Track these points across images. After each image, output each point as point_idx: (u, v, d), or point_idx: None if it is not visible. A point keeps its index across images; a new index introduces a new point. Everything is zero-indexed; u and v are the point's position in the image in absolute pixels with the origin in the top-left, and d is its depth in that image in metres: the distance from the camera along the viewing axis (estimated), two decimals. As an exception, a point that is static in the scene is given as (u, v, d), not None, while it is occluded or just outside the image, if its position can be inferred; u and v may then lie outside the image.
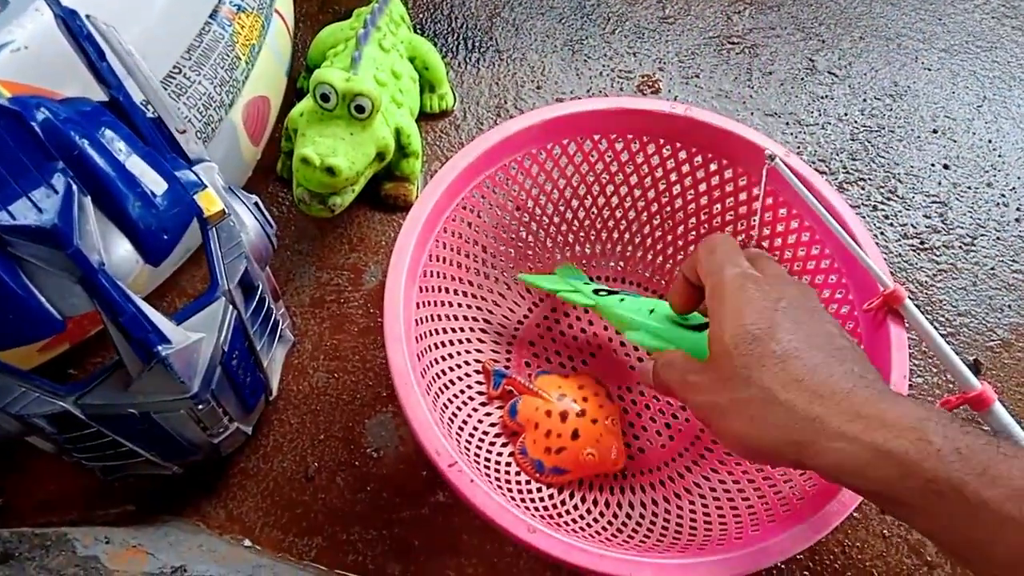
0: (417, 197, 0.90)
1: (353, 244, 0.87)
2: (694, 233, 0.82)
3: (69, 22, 0.55)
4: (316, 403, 0.77)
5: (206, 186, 0.61)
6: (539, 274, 0.82)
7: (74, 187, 0.51)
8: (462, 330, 0.76)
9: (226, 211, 0.62)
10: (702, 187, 0.79)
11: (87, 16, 0.56)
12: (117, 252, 0.54)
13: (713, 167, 0.78)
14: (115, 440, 0.61)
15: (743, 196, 0.78)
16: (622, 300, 0.75)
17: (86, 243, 0.52)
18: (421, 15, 1.06)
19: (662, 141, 0.77)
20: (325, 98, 0.76)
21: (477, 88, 1.00)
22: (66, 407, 0.56)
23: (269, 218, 0.68)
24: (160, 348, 0.55)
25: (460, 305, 0.76)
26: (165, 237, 0.56)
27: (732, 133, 0.75)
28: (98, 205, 0.53)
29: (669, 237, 0.83)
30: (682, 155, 0.78)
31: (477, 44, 1.04)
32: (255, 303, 0.66)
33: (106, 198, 0.53)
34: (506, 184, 0.77)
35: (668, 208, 0.82)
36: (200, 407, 0.61)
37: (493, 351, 0.78)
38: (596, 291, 0.77)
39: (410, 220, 0.67)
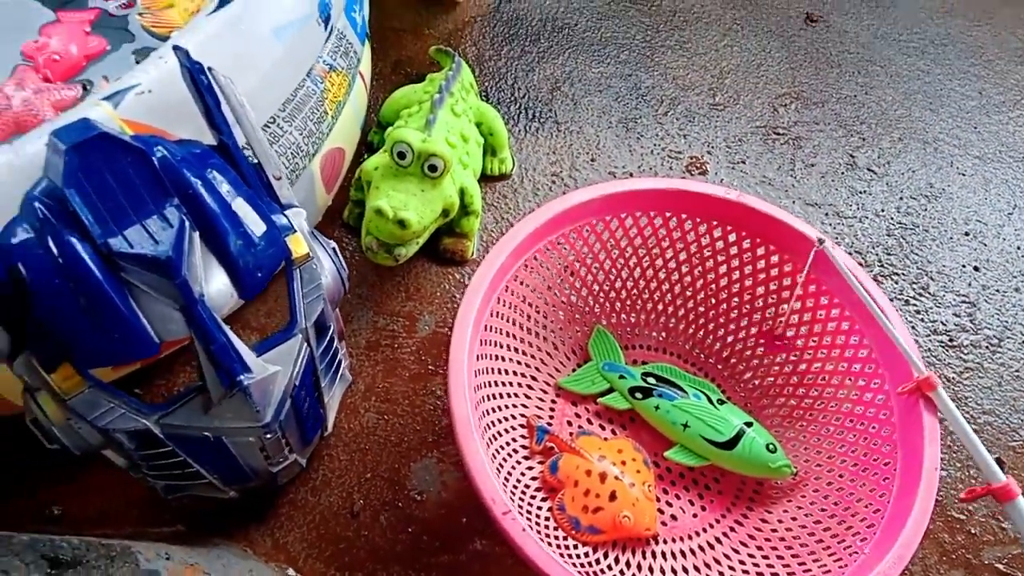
0: (472, 254, 0.94)
1: (409, 293, 0.90)
2: (735, 312, 0.85)
3: (194, 73, 0.59)
4: (365, 442, 0.79)
5: (295, 230, 0.65)
6: (578, 369, 0.85)
7: (187, 222, 0.55)
8: (511, 384, 0.79)
9: (310, 254, 0.66)
10: (747, 269, 0.83)
11: (209, 68, 0.60)
12: (215, 285, 0.57)
13: (760, 251, 0.81)
14: (184, 461, 0.63)
15: (787, 281, 0.81)
16: (657, 408, 0.79)
17: (191, 275, 0.55)
18: (487, 83, 1.11)
19: (714, 223, 0.81)
20: (402, 156, 0.81)
21: (535, 155, 1.04)
22: (148, 425, 0.59)
23: (343, 263, 0.72)
24: (243, 377, 0.58)
25: (511, 360, 0.79)
26: (259, 275, 0.60)
27: (781, 221, 0.78)
28: (203, 240, 0.57)
29: (711, 313, 0.86)
30: (731, 237, 0.81)
31: (537, 115, 1.09)
32: (325, 342, 0.69)
33: (211, 234, 0.57)
34: (563, 250, 0.80)
35: (712, 286, 0.85)
36: (268, 436, 0.64)
37: (538, 407, 0.81)
38: (632, 390, 0.81)
39: (478, 277, 0.70)
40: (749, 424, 0.77)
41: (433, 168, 0.81)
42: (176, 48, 0.59)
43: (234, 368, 0.58)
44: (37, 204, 0.55)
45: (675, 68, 1.19)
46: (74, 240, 0.52)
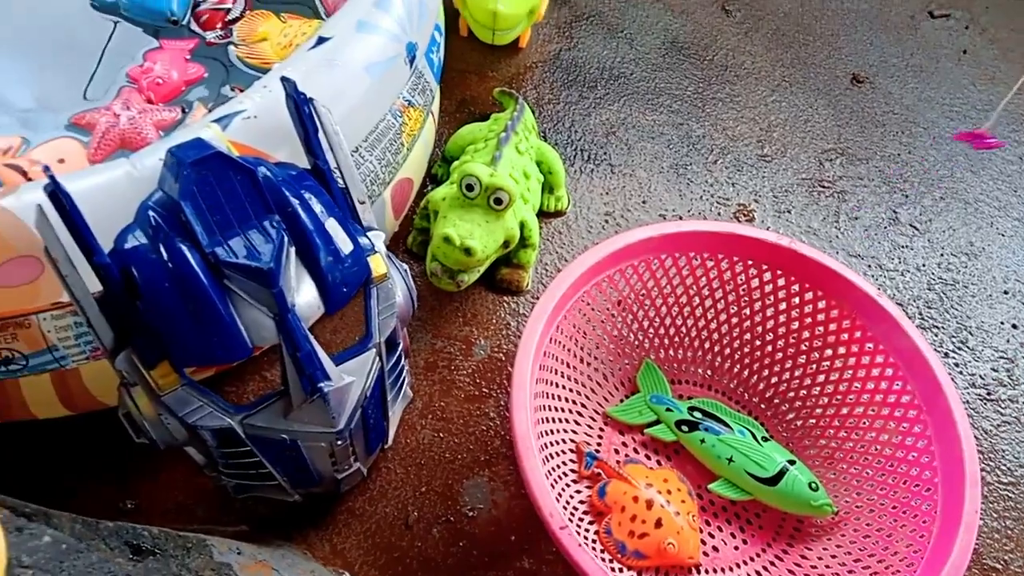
0: (528, 285, 0.97)
1: (467, 319, 0.93)
2: (780, 354, 0.87)
3: (298, 103, 0.64)
4: (421, 457, 0.82)
5: (376, 251, 0.69)
6: (627, 399, 0.87)
7: (285, 237, 0.59)
8: (562, 409, 0.81)
9: (388, 275, 0.69)
10: (795, 313, 0.85)
11: (311, 99, 0.65)
12: (304, 297, 0.61)
13: (808, 296, 0.83)
14: (259, 461, 0.67)
15: (832, 327, 0.83)
16: (703, 442, 0.81)
17: (286, 286, 0.59)
18: (546, 125, 1.15)
19: (764, 267, 0.84)
20: (470, 188, 0.85)
21: (590, 195, 1.08)
22: (232, 424, 0.62)
23: (413, 285, 0.75)
24: (323, 384, 0.61)
25: (564, 387, 0.82)
26: (344, 290, 0.63)
27: (830, 268, 0.81)
28: (297, 254, 0.61)
29: (757, 354, 0.88)
30: (780, 282, 0.84)
31: (593, 157, 1.13)
32: (394, 359, 0.73)
33: (305, 250, 0.60)
34: (617, 285, 0.83)
35: (759, 328, 0.87)
36: (339, 442, 0.67)
37: (587, 434, 0.83)
38: (678, 423, 0.83)
39: (540, 306, 0.73)
40: (792, 462, 0.78)
41: (499, 201, 0.85)
42: (284, 79, 0.63)
43: (316, 375, 0.61)
44: (151, 213, 0.59)
45: (725, 120, 1.22)
46: (184, 248, 0.57)
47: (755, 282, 0.85)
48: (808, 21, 1.43)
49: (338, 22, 0.73)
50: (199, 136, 0.61)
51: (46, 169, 0.54)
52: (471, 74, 1.19)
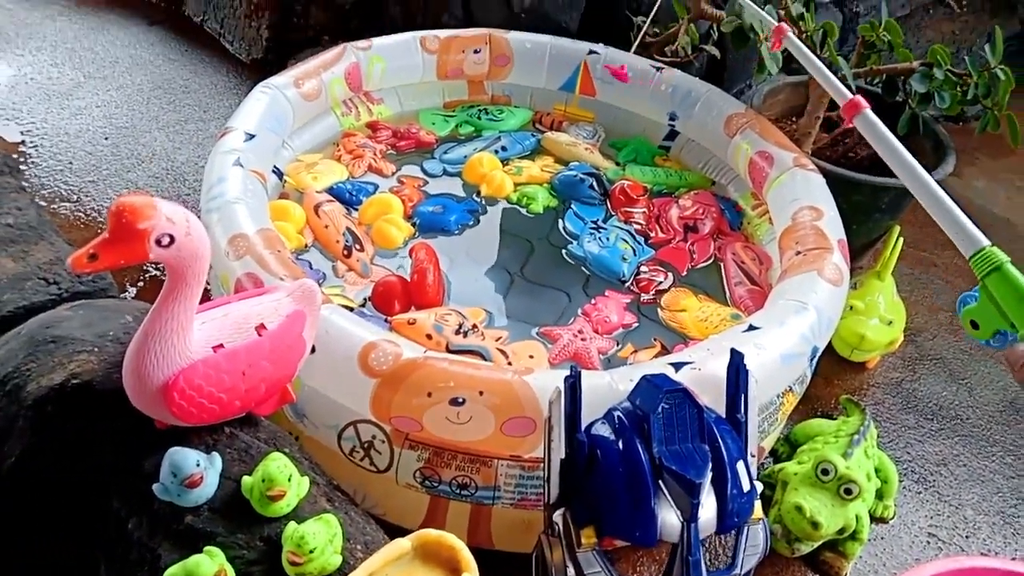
0: (846, 575, 1.00)
1: (782, 583, 0.98)
2: None
3: (740, 369, 0.79)
4: None
5: (758, 498, 0.79)
6: None
7: (709, 462, 0.72)
8: None
9: (762, 520, 0.79)
10: None
11: (747, 369, 0.79)
12: (707, 513, 0.72)
13: None
14: (618, 633, 0.75)
15: None
16: None
17: (701, 500, 0.70)
18: (881, 438, 1.20)
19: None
20: (825, 472, 0.92)
21: (915, 513, 1.09)
22: (615, 592, 0.73)
23: (769, 537, 0.83)
24: (698, 589, 0.70)
25: None
26: (735, 519, 0.73)
27: None
28: (711, 479, 0.73)
29: None
30: None
31: (922, 480, 1.15)
32: (741, 592, 0.80)
33: (719, 477, 0.72)
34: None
35: None
36: (685, 644, 0.74)
37: None
38: None
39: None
40: None
41: (848, 492, 0.91)
42: (734, 350, 0.79)
43: (695, 579, 0.70)
44: (617, 414, 0.75)
45: (1060, 489, 1.19)
46: (640, 447, 0.71)
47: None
48: None
49: (767, 317, 0.89)
50: (663, 372, 0.78)
51: (573, 367, 0.73)
52: (819, 377, 1.28)
